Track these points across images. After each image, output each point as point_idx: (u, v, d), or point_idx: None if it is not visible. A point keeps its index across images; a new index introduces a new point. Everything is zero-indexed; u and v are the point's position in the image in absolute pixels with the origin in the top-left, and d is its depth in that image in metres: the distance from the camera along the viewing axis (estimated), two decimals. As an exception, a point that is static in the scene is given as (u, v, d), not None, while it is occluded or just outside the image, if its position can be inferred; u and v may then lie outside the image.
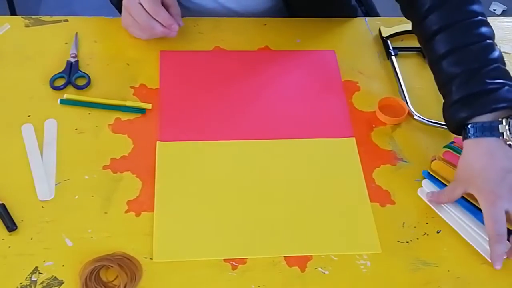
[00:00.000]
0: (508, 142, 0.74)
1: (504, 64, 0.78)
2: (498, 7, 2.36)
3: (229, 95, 0.89)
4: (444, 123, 0.81)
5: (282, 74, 0.93)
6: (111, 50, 0.94)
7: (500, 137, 0.74)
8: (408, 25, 0.91)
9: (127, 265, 0.69)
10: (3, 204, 0.73)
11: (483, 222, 0.74)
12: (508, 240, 0.73)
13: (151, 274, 0.70)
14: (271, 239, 0.74)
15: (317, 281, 0.71)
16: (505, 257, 0.72)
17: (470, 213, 0.77)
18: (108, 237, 0.72)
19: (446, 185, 0.79)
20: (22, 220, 0.73)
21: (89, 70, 0.90)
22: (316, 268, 0.72)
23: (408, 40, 0.99)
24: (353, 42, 1.00)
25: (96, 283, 0.67)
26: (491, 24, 0.82)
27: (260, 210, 0.77)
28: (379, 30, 1.01)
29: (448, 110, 0.79)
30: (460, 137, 0.78)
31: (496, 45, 0.80)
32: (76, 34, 0.94)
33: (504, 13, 2.35)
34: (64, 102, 0.85)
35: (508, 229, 0.72)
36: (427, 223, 0.78)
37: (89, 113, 0.85)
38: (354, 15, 1.05)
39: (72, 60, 0.90)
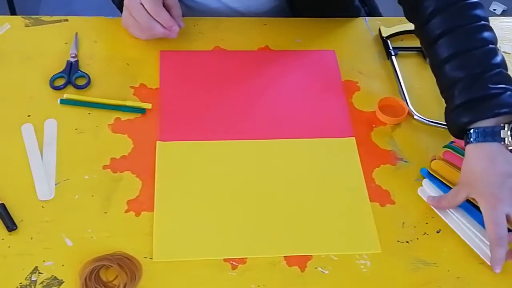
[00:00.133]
0: (509, 148, 0.74)
1: (506, 69, 0.78)
2: (498, 7, 2.36)
3: (229, 95, 0.89)
4: (444, 123, 0.81)
5: (282, 74, 0.93)
6: (111, 50, 0.94)
7: (502, 142, 0.74)
8: (408, 25, 0.91)
9: (127, 265, 0.69)
10: (3, 204, 0.73)
11: (483, 225, 0.74)
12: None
13: (151, 274, 0.70)
14: (271, 239, 0.74)
15: (317, 281, 0.71)
16: (505, 260, 0.72)
17: (470, 215, 0.77)
18: (108, 237, 0.72)
19: (446, 185, 0.80)
20: (22, 220, 0.73)
21: (89, 70, 0.90)
22: (316, 268, 0.72)
23: (408, 40, 0.99)
24: (353, 42, 1.00)
25: (96, 283, 0.67)
26: (491, 24, 0.82)
27: (260, 210, 0.77)
28: (379, 30, 1.01)
29: (450, 114, 0.79)
30: (460, 137, 0.78)
31: (499, 50, 0.80)
32: (76, 34, 0.94)
33: (504, 13, 2.35)
34: (64, 102, 0.85)
35: (508, 228, 0.72)
36: (427, 223, 0.78)
37: (89, 113, 0.85)
38: (357, 15, 1.05)
39: (72, 60, 0.90)
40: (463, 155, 0.78)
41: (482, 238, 0.75)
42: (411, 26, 0.89)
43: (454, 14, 0.81)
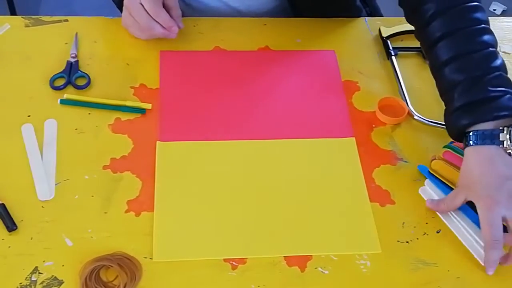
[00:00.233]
0: (508, 151, 0.74)
1: (506, 72, 0.78)
2: (498, 7, 2.36)
3: (229, 95, 0.89)
4: (444, 123, 0.81)
5: (282, 74, 0.93)
6: (111, 50, 0.94)
7: (501, 146, 0.74)
8: (408, 25, 0.91)
9: (127, 265, 0.69)
10: (3, 204, 0.73)
11: (479, 226, 0.74)
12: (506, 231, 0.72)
13: (151, 274, 0.70)
14: (271, 239, 0.74)
15: (317, 281, 0.71)
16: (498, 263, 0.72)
17: (468, 217, 0.77)
18: (108, 237, 0.72)
19: (446, 184, 0.80)
20: (22, 220, 0.73)
21: (89, 70, 0.90)
22: (316, 268, 0.72)
23: (408, 40, 0.99)
24: (353, 42, 1.00)
25: (96, 283, 0.67)
26: (491, 24, 0.82)
27: (260, 210, 0.77)
28: (379, 30, 1.01)
29: (449, 117, 0.79)
30: (460, 137, 0.78)
31: (499, 53, 0.80)
32: (76, 34, 0.94)
33: (504, 13, 2.35)
34: (64, 102, 0.85)
35: (504, 226, 0.72)
36: (427, 223, 0.78)
37: (89, 113, 0.85)
38: (358, 16, 1.05)
39: (72, 60, 0.90)
40: (463, 155, 0.78)
41: (478, 239, 0.75)
42: (411, 26, 0.89)
43: (455, 17, 0.81)
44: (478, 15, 0.80)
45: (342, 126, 0.87)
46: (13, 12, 1.94)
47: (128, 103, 0.86)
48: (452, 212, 0.78)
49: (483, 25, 0.80)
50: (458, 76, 0.78)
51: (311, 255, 0.73)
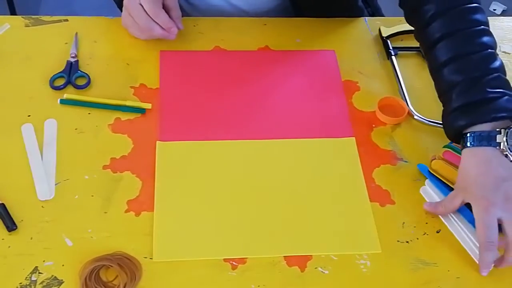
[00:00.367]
0: (505, 153, 0.74)
1: (505, 74, 0.78)
2: (498, 7, 2.36)
3: (229, 95, 0.89)
4: (442, 124, 0.81)
5: (282, 74, 0.93)
6: (111, 50, 0.94)
7: (497, 147, 0.74)
8: (408, 25, 0.91)
9: (127, 265, 0.69)
10: (3, 204, 0.73)
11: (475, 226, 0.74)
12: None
13: (151, 274, 0.70)
14: (271, 239, 0.74)
15: (317, 281, 0.71)
16: (493, 265, 0.72)
17: (466, 218, 0.77)
18: (108, 237, 0.72)
19: (446, 184, 0.80)
20: (22, 220, 0.73)
21: (89, 70, 0.90)
22: (316, 268, 0.72)
23: (408, 40, 0.99)
24: (353, 42, 1.00)
25: (96, 283, 0.67)
26: (491, 24, 0.82)
27: (260, 210, 0.77)
28: (379, 30, 1.01)
29: (447, 118, 0.79)
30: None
31: (498, 55, 0.80)
32: (76, 34, 0.94)
33: (504, 13, 2.35)
34: (64, 102, 0.85)
35: (499, 225, 0.72)
36: (427, 223, 0.78)
37: (89, 113, 0.85)
38: (360, 16, 1.05)
39: (72, 60, 0.90)
40: (463, 155, 0.78)
41: (475, 241, 0.75)
42: (410, 26, 0.89)
43: (454, 18, 0.81)
44: (478, 16, 0.80)
45: (342, 126, 0.87)
46: (13, 12, 1.94)
47: (128, 103, 0.86)
48: (452, 214, 0.77)
49: (482, 27, 0.80)
50: (456, 77, 0.78)
51: (311, 255, 0.73)
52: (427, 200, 0.79)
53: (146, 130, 0.84)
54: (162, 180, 0.78)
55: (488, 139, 0.74)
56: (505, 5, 2.36)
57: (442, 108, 0.81)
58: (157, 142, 0.82)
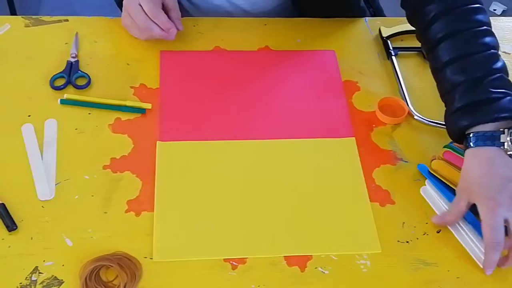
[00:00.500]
0: (509, 152, 0.74)
1: (507, 74, 0.78)
2: (498, 7, 2.36)
3: (229, 95, 0.89)
4: (444, 123, 0.81)
5: (282, 74, 0.93)
6: (111, 50, 0.94)
7: (501, 147, 0.74)
8: (408, 25, 0.91)
9: (127, 265, 0.69)
10: (3, 204, 0.73)
11: (474, 225, 0.74)
12: (507, 234, 0.72)
13: (151, 274, 0.70)
14: (271, 238, 0.74)
15: (317, 281, 0.71)
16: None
17: (466, 219, 0.77)
18: (108, 237, 0.72)
19: (446, 184, 0.80)
20: (22, 220, 0.73)
21: (89, 70, 0.90)
22: (316, 268, 0.72)
23: (408, 40, 0.99)
24: (353, 42, 1.00)
25: (96, 283, 0.68)
26: (491, 24, 0.82)
27: (260, 210, 0.77)
28: (379, 30, 1.01)
29: (449, 118, 0.79)
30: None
31: (500, 56, 0.80)
32: (76, 34, 0.94)
33: (504, 13, 2.35)
34: (64, 102, 0.85)
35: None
36: (427, 223, 0.78)
37: (89, 113, 0.85)
38: (362, 16, 1.05)
39: (72, 60, 0.91)
40: (463, 155, 0.78)
41: (475, 240, 0.75)
42: (411, 26, 0.89)
43: (457, 18, 0.81)
44: (480, 16, 0.80)
45: (342, 126, 0.87)
46: (13, 12, 1.94)
47: (128, 103, 0.86)
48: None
49: (485, 27, 0.80)
50: (459, 77, 0.78)
51: (311, 255, 0.73)
52: (427, 200, 0.79)
53: (146, 130, 0.84)
54: (162, 180, 0.78)
55: (492, 139, 0.74)
56: (505, 5, 2.36)
57: (445, 108, 0.81)
58: (157, 142, 0.82)
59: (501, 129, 0.74)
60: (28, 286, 0.68)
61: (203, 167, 0.80)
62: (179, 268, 0.71)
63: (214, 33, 0.98)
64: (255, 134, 0.85)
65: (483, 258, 0.73)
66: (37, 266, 0.69)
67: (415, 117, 0.89)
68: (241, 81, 0.91)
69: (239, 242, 0.74)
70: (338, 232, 0.76)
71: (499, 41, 0.81)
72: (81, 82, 0.88)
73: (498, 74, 0.77)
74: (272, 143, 0.84)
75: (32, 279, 0.68)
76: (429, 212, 0.78)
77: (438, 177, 0.80)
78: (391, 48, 0.98)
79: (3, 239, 0.71)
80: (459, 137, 0.78)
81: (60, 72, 0.89)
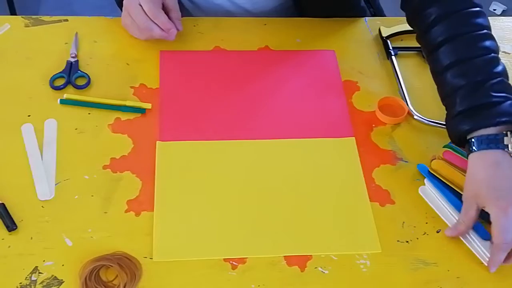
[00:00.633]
0: None
1: (507, 78, 0.78)
2: (498, 7, 2.36)
3: (229, 95, 0.89)
4: (444, 123, 0.81)
5: (282, 74, 0.93)
6: (111, 50, 0.94)
7: (505, 150, 0.73)
8: (408, 25, 0.91)
9: (127, 265, 0.69)
10: (3, 204, 0.73)
11: (477, 231, 0.75)
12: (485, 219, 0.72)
13: (151, 274, 0.70)
14: (271, 238, 0.74)
15: (317, 280, 0.71)
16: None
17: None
18: (108, 237, 0.72)
19: (446, 184, 0.80)
20: (22, 220, 0.73)
21: (89, 70, 0.90)
22: (316, 268, 0.72)
23: (408, 40, 0.99)
24: (353, 42, 1.00)
25: (96, 283, 0.68)
26: (491, 24, 0.82)
27: (260, 209, 0.77)
28: (379, 30, 1.01)
29: (451, 121, 0.78)
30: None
31: (500, 59, 0.80)
32: (76, 34, 0.94)
33: (504, 13, 2.35)
34: (64, 102, 0.85)
35: (485, 212, 0.72)
36: (427, 223, 0.78)
37: (89, 113, 0.85)
38: (362, 16, 1.05)
39: (72, 60, 0.91)
40: (463, 155, 0.78)
41: (476, 240, 0.75)
42: (416, 36, 0.89)
43: (457, 22, 0.80)
44: (480, 20, 0.80)
45: (342, 126, 0.87)
46: (13, 12, 1.94)
47: (128, 103, 0.86)
48: (452, 214, 0.77)
49: (485, 31, 0.80)
50: (459, 80, 0.78)
51: (311, 255, 0.73)
52: (426, 200, 0.79)
53: (146, 130, 0.84)
54: (162, 180, 0.78)
55: (495, 142, 0.73)
56: (505, 5, 2.36)
57: (446, 111, 0.80)
58: (157, 142, 0.82)
59: (504, 132, 0.74)
60: (28, 286, 0.68)
61: (203, 167, 0.80)
62: (179, 268, 0.71)
63: (214, 33, 0.98)
64: (255, 134, 0.85)
65: (485, 257, 0.73)
66: (37, 266, 0.69)
67: (415, 117, 0.89)
68: (241, 81, 0.91)
69: (239, 242, 0.74)
70: (338, 232, 0.76)
71: (499, 41, 0.81)
72: (81, 82, 0.88)
73: (499, 78, 0.77)
74: (272, 143, 0.84)
75: (32, 279, 0.68)
76: (429, 212, 0.78)
77: (438, 177, 0.80)
78: (391, 48, 0.98)
79: (3, 239, 0.71)
80: (460, 141, 0.78)
81: (60, 72, 0.89)
